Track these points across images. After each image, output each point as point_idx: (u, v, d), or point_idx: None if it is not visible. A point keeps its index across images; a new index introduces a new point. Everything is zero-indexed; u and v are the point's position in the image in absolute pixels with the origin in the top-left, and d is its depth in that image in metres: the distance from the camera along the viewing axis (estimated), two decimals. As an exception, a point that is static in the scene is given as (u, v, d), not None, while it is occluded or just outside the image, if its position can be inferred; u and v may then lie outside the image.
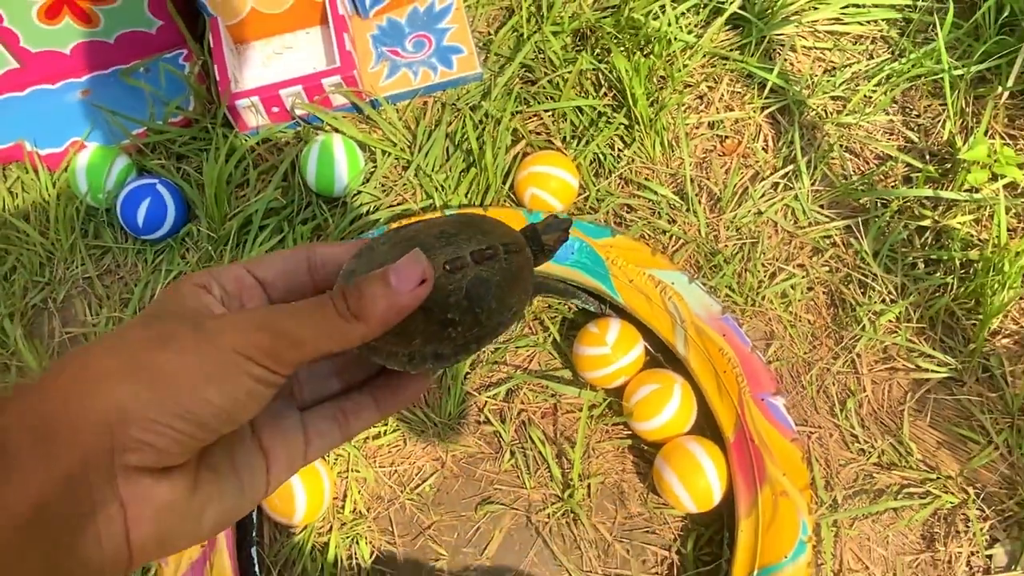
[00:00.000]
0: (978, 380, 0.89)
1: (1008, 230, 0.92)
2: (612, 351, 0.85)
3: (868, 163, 1.01)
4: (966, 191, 0.94)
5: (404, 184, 1.00)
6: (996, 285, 0.87)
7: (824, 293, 0.95)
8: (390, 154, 1.01)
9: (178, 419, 0.25)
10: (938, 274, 0.92)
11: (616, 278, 0.86)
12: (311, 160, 0.97)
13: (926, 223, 0.95)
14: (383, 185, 1.01)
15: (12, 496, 0.23)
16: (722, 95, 1.04)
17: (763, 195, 0.99)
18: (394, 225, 0.33)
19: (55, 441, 0.24)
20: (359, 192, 0.99)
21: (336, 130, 1.02)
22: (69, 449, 0.24)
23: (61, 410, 0.24)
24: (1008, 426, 0.86)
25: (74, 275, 1.00)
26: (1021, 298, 0.91)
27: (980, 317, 0.88)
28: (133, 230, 0.97)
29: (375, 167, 1.01)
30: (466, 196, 0.98)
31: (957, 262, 0.92)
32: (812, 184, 0.99)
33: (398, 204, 0.99)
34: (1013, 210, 0.94)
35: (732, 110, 1.03)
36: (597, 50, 1.05)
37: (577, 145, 1.01)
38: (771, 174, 1.00)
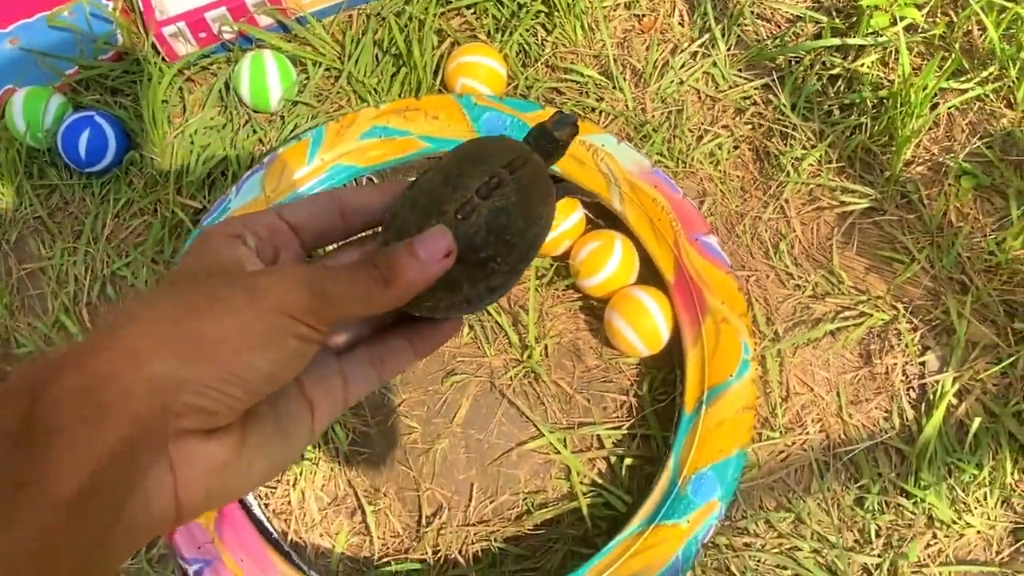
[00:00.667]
0: (897, 206, 0.94)
1: (913, 69, 0.98)
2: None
3: (779, 26, 1.06)
4: (870, 35, 0.99)
5: (338, 91, 1.03)
6: (905, 116, 0.93)
7: (749, 149, 1.00)
8: (321, 64, 1.04)
9: (226, 384, 0.25)
10: (852, 116, 0.98)
11: (549, 147, 0.90)
12: (243, 77, 0.99)
13: (837, 71, 1.00)
14: (318, 95, 1.03)
15: (64, 474, 0.22)
16: (635, -24, 1.08)
17: (683, 66, 1.03)
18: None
19: (106, 416, 0.23)
20: (296, 103, 1.02)
21: (266, 46, 1.04)
22: (118, 422, 0.24)
23: (110, 383, 0.24)
24: (928, 243, 0.92)
25: (24, 216, 1.01)
26: (929, 128, 0.97)
27: (894, 148, 0.94)
28: (76, 164, 0.98)
29: (308, 79, 1.03)
30: (400, 95, 1.01)
31: (868, 102, 0.97)
32: (728, 50, 1.04)
33: (336, 111, 1.02)
34: (915, 48, 1.00)
35: (646, -11, 1.07)
36: (511, -55, 1.08)
37: (501, 37, 1.05)
38: (689, 45, 1.04)
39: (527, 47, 1.05)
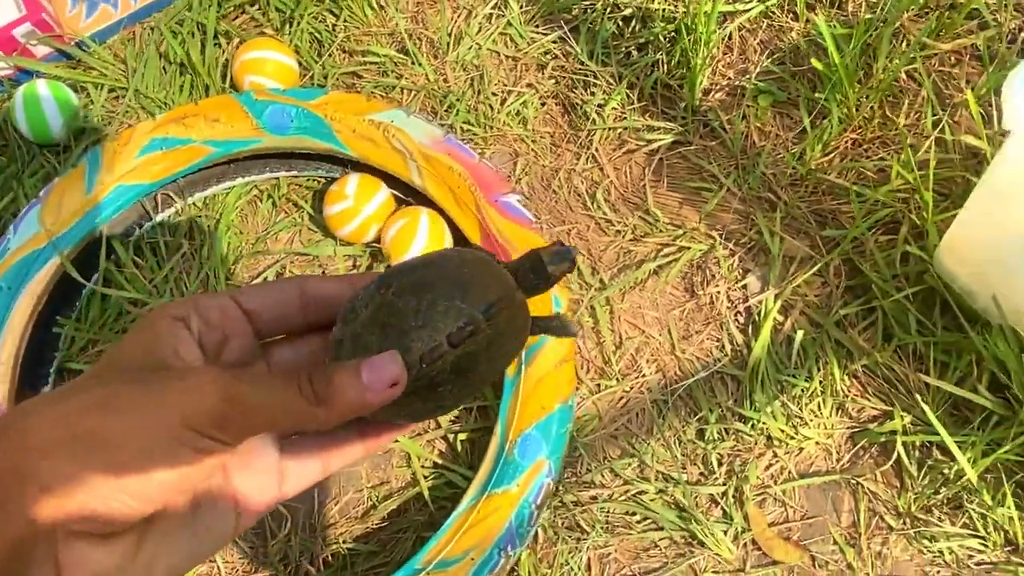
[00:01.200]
0: (701, 136, 0.94)
1: (700, -3, 0.97)
2: (355, 202, 0.87)
3: (571, -24, 1.04)
4: (652, -29, 0.98)
5: (126, 110, 0.98)
6: (695, 44, 0.92)
7: (556, 104, 0.98)
8: (104, 86, 0.99)
9: (119, 492, 0.24)
10: (648, 55, 0.97)
11: (340, 132, 0.87)
12: (18, 111, 0.94)
13: (629, 11, 0.99)
14: (105, 117, 0.98)
15: None
16: (418, -53, 1.06)
17: (479, 31, 1.02)
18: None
19: (0, 512, 0.23)
20: (82, 130, 0.97)
21: (45, 76, 0.99)
22: (12, 521, 0.23)
23: (4, 482, 0.23)
24: (733, 167, 0.92)
25: None
26: (724, 53, 0.96)
27: (690, 79, 0.93)
28: None
29: (92, 103, 0.99)
30: (188, 100, 0.97)
31: (662, 38, 0.97)
32: (522, 7, 1.02)
33: (126, 128, 0.98)
34: (699, -22, 0.99)
35: (431, -42, 1.05)
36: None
37: (290, 29, 1.01)
38: (482, 8, 1.02)
39: (318, 35, 1.01)
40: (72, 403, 0.25)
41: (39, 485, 0.23)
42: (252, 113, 0.88)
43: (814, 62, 0.89)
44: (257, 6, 1.03)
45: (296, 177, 0.94)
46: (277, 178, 0.94)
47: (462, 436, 0.84)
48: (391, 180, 0.89)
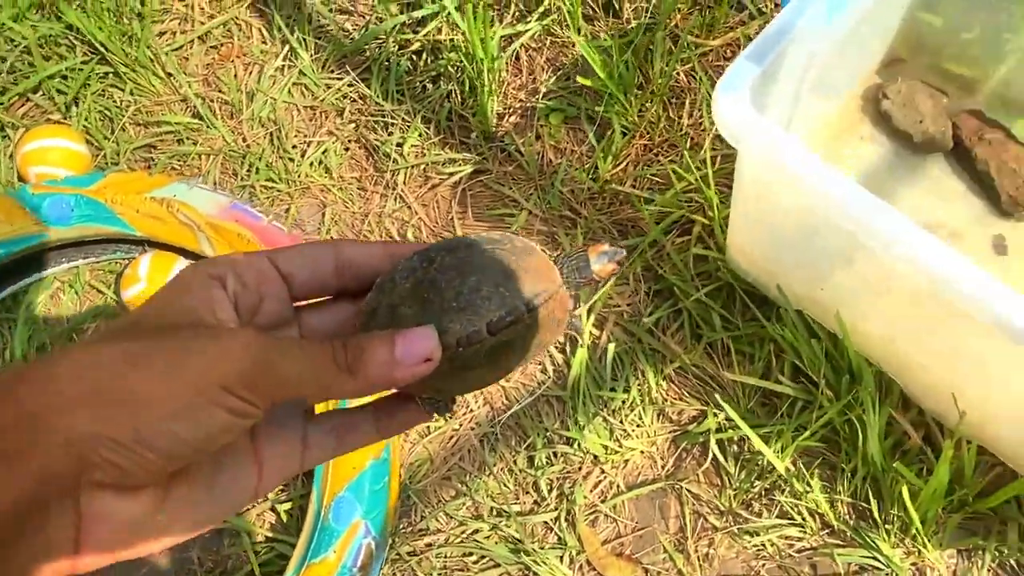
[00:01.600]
0: (500, 162, 0.94)
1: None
2: (148, 283, 0.85)
3: (362, 16, 1.03)
4: (432, 2, 0.98)
5: (-89, 220, 0.94)
6: (481, 71, 0.92)
7: (359, 147, 0.97)
8: None
9: (143, 447, 0.24)
10: (441, 87, 0.96)
11: (124, 214, 0.85)
12: None
13: (418, 46, 0.98)
14: None
15: None
16: (200, 6, 1.04)
17: (273, 84, 1.00)
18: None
19: (18, 460, 0.23)
20: None
21: None
22: (29, 469, 0.23)
23: (27, 425, 0.23)
24: (533, 189, 0.92)
25: None
26: (514, 75, 0.97)
27: (480, 105, 0.93)
28: None
29: None
30: (-27, 204, 0.94)
31: (452, 68, 0.96)
32: (312, 55, 1.01)
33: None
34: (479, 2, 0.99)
35: (215, 16, 1.03)
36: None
37: (76, 110, 0.99)
38: (273, 61, 1.01)
39: (108, 112, 0.99)
40: (102, 355, 0.25)
41: (63, 436, 0.23)
42: (30, 208, 0.85)
43: (581, 79, 0.89)
44: (41, 92, 1.00)
45: (96, 263, 0.92)
46: (77, 267, 0.91)
47: (287, 506, 0.82)
48: (189, 252, 0.87)
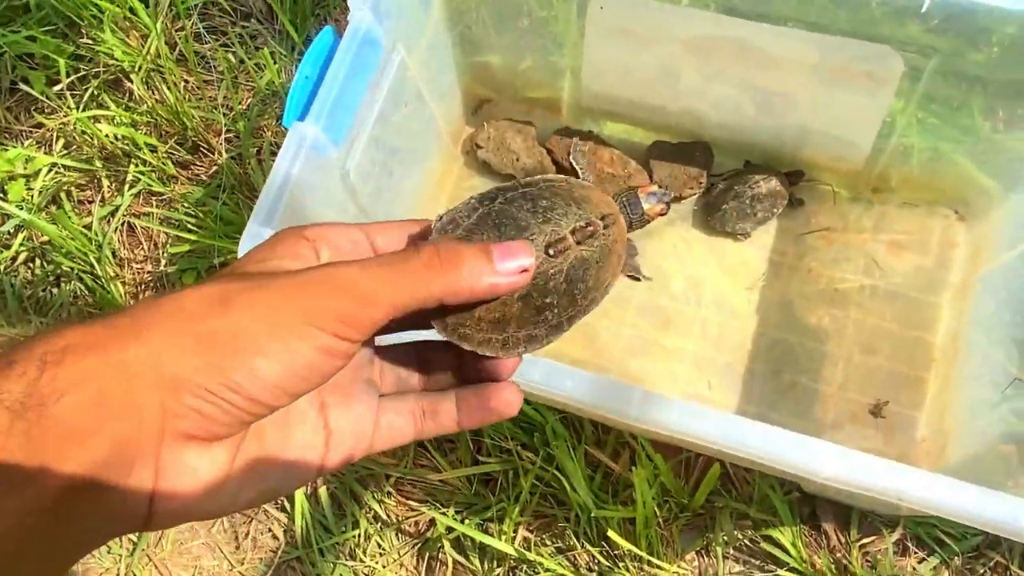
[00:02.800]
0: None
1: None
2: None
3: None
4: None
5: None
6: (91, 262, 0.85)
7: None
8: None
9: (226, 389, 0.23)
10: (63, 287, 0.89)
11: None
12: None
13: (24, 255, 0.90)
14: None
15: (56, 467, 0.21)
16: None
17: None
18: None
19: (106, 408, 0.22)
20: None
21: None
22: (117, 418, 0.22)
23: (116, 372, 0.23)
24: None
25: None
26: (131, 252, 0.90)
27: (104, 296, 0.86)
28: None
29: None
30: None
31: (66, 268, 0.89)
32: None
33: None
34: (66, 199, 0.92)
35: None
36: None
37: None
38: None
39: None
40: (187, 300, 0.24)
41: (150, 381, 0.23)
42: None
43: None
44: None
45: None
46: None
47: None
48: None
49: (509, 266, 0.27)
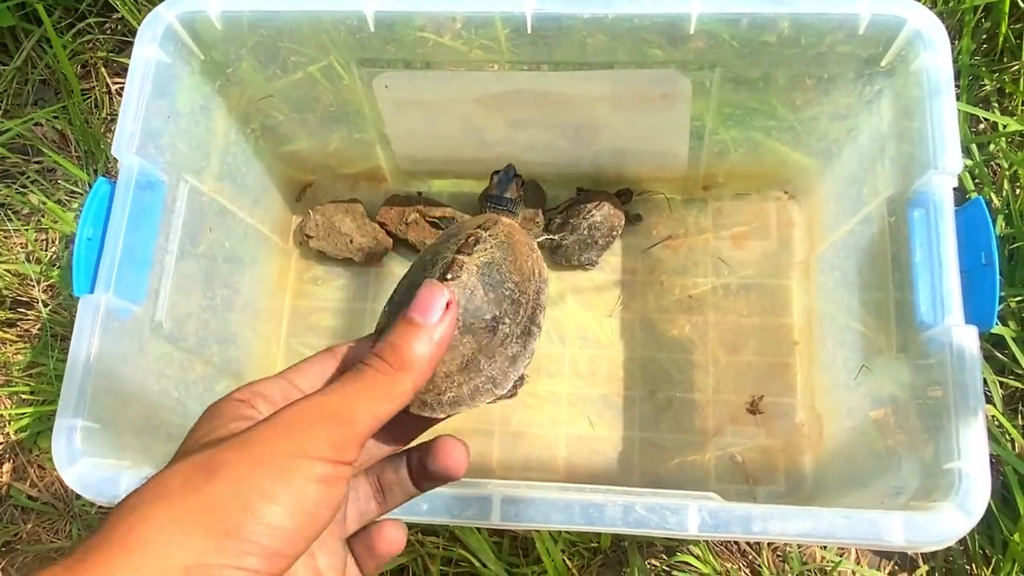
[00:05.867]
0: None
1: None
2: None
3: None
4: None
5: None
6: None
7: None
8: None
9: (245, 556, 0.22)
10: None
11: None
12: None
13: None
14: None
15: None
16: None
17: None
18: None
19: None
20: None
21: None
22: None
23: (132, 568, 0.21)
24: None
25: None
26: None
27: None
28: None
29: None
30: None
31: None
32: None
33: None
34: None
35: None
36: None
37: None
38: None
39: None
40: (172, 480, 0.24)
41: (175, 566, 0.22)
42: None
43: None
44: None
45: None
46: None
47: None
48: None
49: (431, 315, 0.28)
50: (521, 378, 0.33)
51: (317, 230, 0.80)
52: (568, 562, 0.72)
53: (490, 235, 0.32)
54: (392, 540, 0.31)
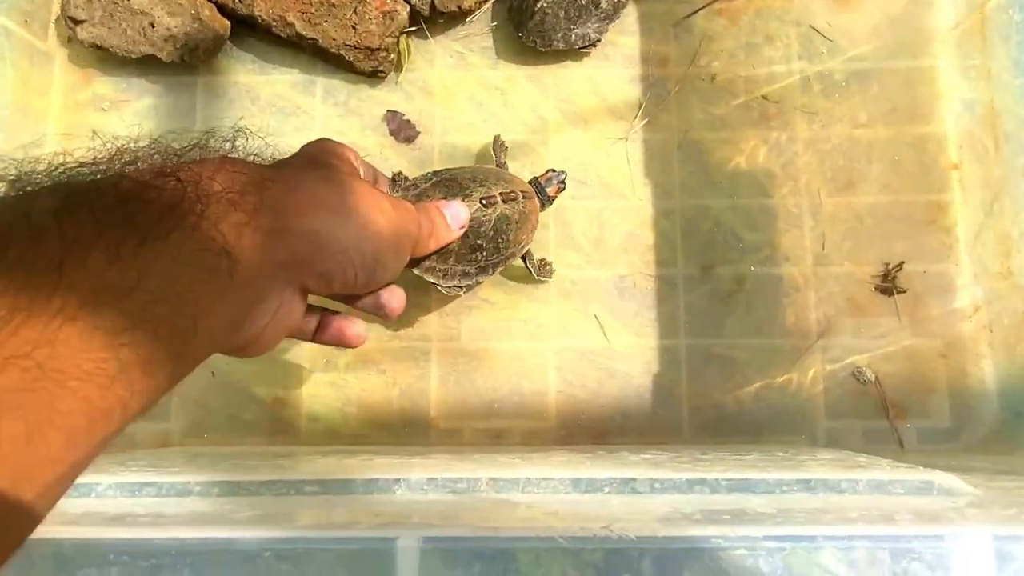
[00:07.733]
0: None
1: None
2: None
3: None
4: None
5: None
6: None
7: None
8: None
9: (356, 253, 0.26)
10: None
11: None
12: None
13: None
14: None
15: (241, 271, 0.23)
16: None
17: None
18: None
19: (265, 249, 0.23)
20: None
21: None
22: (270, 254, 0.24)
23: (274, 218, 0.24)
24: None
25: None
26: None
27: None
28: None
29: None
30: None
31: None
32: None
33: None
34: None
35: None
36: None
37: None
38: None
39: None
40: (307, 178, 0.26)
41: (297, 232, 0.24)
42: None
43: None
44: None
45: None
46: None
47: None
48: None
49: (457, 224, 0.36)
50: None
51: (91, 8, 0.43)
52: None
53: (522, 204, 0.40)
54: (357, 335, 0.33)
